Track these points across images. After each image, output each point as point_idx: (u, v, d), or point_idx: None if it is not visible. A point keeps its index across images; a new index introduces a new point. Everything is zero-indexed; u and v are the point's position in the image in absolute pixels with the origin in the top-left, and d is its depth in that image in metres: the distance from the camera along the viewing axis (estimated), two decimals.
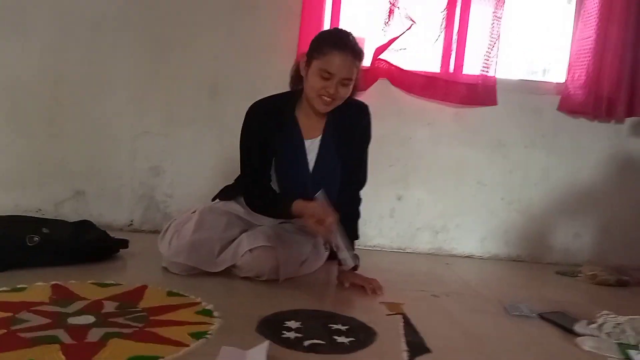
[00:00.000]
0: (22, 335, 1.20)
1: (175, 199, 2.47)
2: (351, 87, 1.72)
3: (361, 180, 1.91)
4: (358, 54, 1.68)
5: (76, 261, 1.81)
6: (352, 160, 1.86)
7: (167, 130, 2.44)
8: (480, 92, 2.44)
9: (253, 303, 1.58)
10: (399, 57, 2.42)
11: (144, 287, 1.62)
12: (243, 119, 1.81)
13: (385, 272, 2.00)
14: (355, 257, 1.87)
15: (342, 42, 1.66)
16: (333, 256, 2.10)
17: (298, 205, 1.69)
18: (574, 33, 2.48)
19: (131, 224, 2.45)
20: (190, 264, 1.78)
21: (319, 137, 1.82)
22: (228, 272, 1.81)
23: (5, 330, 1.21)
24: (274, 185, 1.86)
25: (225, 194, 1.98)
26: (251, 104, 1.82)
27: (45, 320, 1.29)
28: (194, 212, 1.98)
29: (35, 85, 2.35)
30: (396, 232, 2.50)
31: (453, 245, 2.52)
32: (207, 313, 1.45)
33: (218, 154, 2.45)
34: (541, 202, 2.54)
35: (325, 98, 1.70)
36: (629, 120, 2.49)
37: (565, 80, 2.46)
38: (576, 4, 2.49)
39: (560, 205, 2.54)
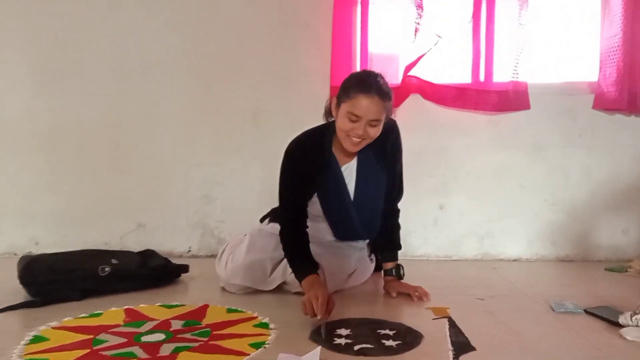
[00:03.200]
0: (104, 353, 1.35)
1: (227, 224, 2.63)
2: (380, 127, 1.74)
3: (398, 193, 2.00)
4: (385, 94, 1.69)
5: (143, 287, 1.98)
6: (389, 175, 1.94)
7: (216, 160, 2.61)
8: (512, 98, 2.49)
9: (306, 315, 1.69)
10: (428, 72, 2.51)
11: (205, 306, 1.76)
12: (284, 146, 1.87)
13: (431, 280, 2.07)
14: (400, 267, 1.97)
15: (368, 85, 1.68)
16: (379, 267, 2.21)
17: (305, 282, 1.71)
18: (601, 31, 2.50)
19: (189, 251, 2.63)
20: (246, 284, 1.92)
21: (355, 160, 1.88)
22: (280, 288, 1.94)
23: (89, 350, 1.37)
24: (318, 220, 1.94)
25: (272, 216, 2.11)
26: (291, 140, 1.86)
27: (121, 340, 1.44)
28: (245, 235, 2.13)
29: (97, 128, 2.59)
30: (441, 241, 2.57)
31: (500, 250, 2.56)
32: (264, 326, 1.57)
33: (263, 178, 2.59)
34: (585, 201, 2.55)
35: (354, 139, 1.73)
36: None
37: (598, 79, 2.48)
38: (601, 3, 2.52)
39: (604, 202, 2.54)
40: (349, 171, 1.90)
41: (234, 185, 2.62)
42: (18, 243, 2.60)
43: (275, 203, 2.13)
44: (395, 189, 1.98)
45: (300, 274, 1.75)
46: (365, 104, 1.67)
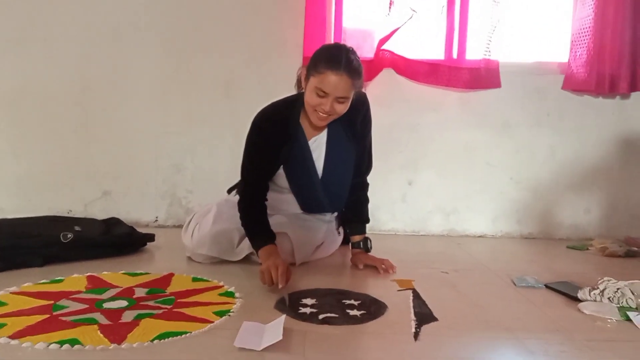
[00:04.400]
0: (64, 318, 1.33)
1: (196, 194, 2.60)
2: (348, 103, 1.71)
3: (367, 166, 2.00)
4: (354, 72, 1.65)
5: (106, 255, 1.95)
6: (358, 149, 1.93)
7: (186, 129, 2.56)
8: (483, 76, 2.50)
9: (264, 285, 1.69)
10: (402, 47, 2.50)
11: (170, 275, 1.74)
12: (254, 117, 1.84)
13: (398, 254, 2.09)
14: (367, 240, 1.98)
15: (337, 61, 1.63)
16: (346, 241, 2.22)
17: (263, 251, 1.71)
18: (573, 12, 2.52)
19: (156, 220, 2.59)
20: (212, 254, 1.91)
21: (324, 133, 1.87)
22: (248, 259, 1.92)
23: (48, 315, 1.35)
24: (283, 191, 1.93)
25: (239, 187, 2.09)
26: (258, 111, 1.83)
27: (82, 306, 1.42)
28: (212, 205, 2.10)
29: (63, 93, 2.50)
30: (409, 216, 2.59)
31: (465, 227, 2.60)
32: (230, 294, 1.57)
33: (234, 149, 2.54)
34: (550, 180, 2.60)
35: (321, 114, 1.70)
36: (634, 95, 2.53)
37: (568, 59, 2.51)
38: None
39: (568, 182, 2.59)
40: (317, 144, 1.88)
41: (204, 156, 2.58)
42: None
43: None
44: (364, 162, 1.98)
45: (257, 244, 1.76)
46: (333, 81, 1.64)
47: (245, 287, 1.63)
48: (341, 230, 2.13)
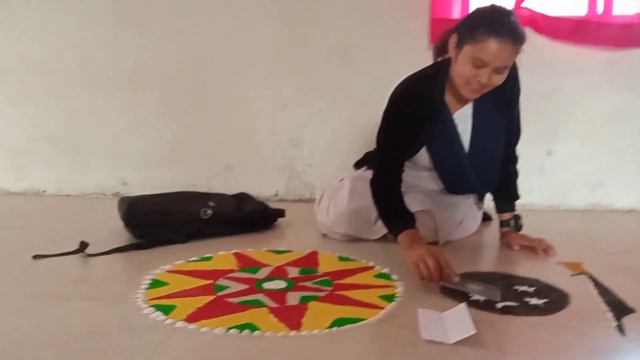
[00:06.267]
0: (230, 300, 1.28)
1: (315, 168, 2.52)
2: (506, 73, 1.53)
3: (517, 137, 1.82)
4: (519, 38, 1.47)
5: (241, 231, 1.90)
6: (507, 121, 1.75)
7: (303, 102, 2.48)
8: (636, 33, 2.22)
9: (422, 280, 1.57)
10: (542, 4, 2.26)
11: (314, 253, 1.67)
12: (375, 86, 1.71)
13: (543, 231, 1.85)
14: (518, 218, 1.82)
15: (500, 26, 1.45)
16: (486, 218, 2.07)
17: (403, 237, 1.51)
18: None
19: (276, 194, 2.55)
20: (350, 233, 1.82)
21: (469, 106, 1.70)
22: (385, 237, 1.82)
23: (213, 296, 1.31)
24: (420, 169, 1.80)
25: (369, 162, 1.97)
26: (397, 75, 1.69)
27: (243, 286, 1.37)
28: (341, 179, 2.01)
29: (181, 67, 2.47)
30: (548, 190, 2.38)
31: (612, 200, 2.35)
32: (385, 277, 1.47)
33: (353, 120, 2.45)
34: None
35: (475, 87, 1.53)
36: None
37: None
38: None
39: None
40: (463, 119, 1.71)
41: (322, 128, 2.49)
42: (106, 183, 2.57)
43: (367, 146, 2.01)
44: (513, 134, 1.80)
45: (395, 228, 1.55)
46: (495, 49, 1.44)
47: (397, 268, 1.52)
48: (481, 205, 1.98)
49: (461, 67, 1.53)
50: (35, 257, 1.59)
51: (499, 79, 1.52)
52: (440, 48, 1.69)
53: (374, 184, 1.68)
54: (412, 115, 1.65)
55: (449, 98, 1.69)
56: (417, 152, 1.74)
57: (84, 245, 1.63)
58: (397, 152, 1.71)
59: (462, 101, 1.69)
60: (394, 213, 1.61)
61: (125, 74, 2.50)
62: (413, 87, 1.68)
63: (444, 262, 1.36)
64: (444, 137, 1.71)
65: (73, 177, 2.57)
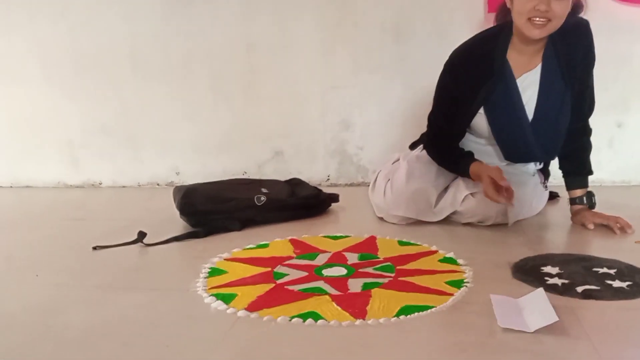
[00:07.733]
0: (290, 287, 1.24)
1: (367, 151, 2.45)
2: (569, 4, 1.46)
3: (590, 107, 1.70)
4: None
5: (295, 217, 1.86)
6: (577, 90, 1.63)
7: (353, 82, 2.40)
8: None
9: (490, 249, 1.49)
10: None
11: (373, 238, 1.61)
12: (429, 63, 1.67)
13: (614, 210, 1.70)
14: (591, 195, 1.70)
15: None
16: (552, 196, 1.95)
17: (475, 167, 1.61)
18: None
19: (328, 179, 2.49)
20: (410, 216, 1.75)
21: (536, 70, 1.60)
22: (447, 219, 1.75)
23: (273, 284, 1.27)
24: (480, 144, 1.75)
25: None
26: (453, 49, 1.65)
27: (302, 273, 1.33)
28: (395, 161, 1.94)
29: (229, 53, 2.44)
30: (617, 165, 2.22)
31: None
32: (451, 261, 1.40)
33: (405, 100, 2.36)
34: None
35: (538, 20, 1.46)
36: None
37: None
38: None
39: None
40: (528, 83, 1.62)
41: (373, 109, 2.41)
42: (159, 173, 2.59)
43: (421, 126, 1.91)
44: (586, 104, 1.67)
45: (463, 167, 1.65)
46: None
47: (462, 252, 1.44)
48: (547, 184, 1.87)
49: (518, 5, 1.49)
50: (95, 248, 1.60)
51: (560, 8, 1.46)
52: (502, 10, 1.63)
53: (429, 149, 1.77)
54: (466, 77, 1.62)
55: (513, 60, 1.61)
56: (471, 118, 1.67)
57: (142, 235, 1.62)
58: (450, 119, 1.68)
59: (529, 65, 1.60)
60: (457, 158, 1.69)
61: (175, 63, 2.49)
62: (468, 49, 1.65)
63: (500, 176, 1.52)
64: (505, 102, 1.62)
65: (127, 168, 2.60)
